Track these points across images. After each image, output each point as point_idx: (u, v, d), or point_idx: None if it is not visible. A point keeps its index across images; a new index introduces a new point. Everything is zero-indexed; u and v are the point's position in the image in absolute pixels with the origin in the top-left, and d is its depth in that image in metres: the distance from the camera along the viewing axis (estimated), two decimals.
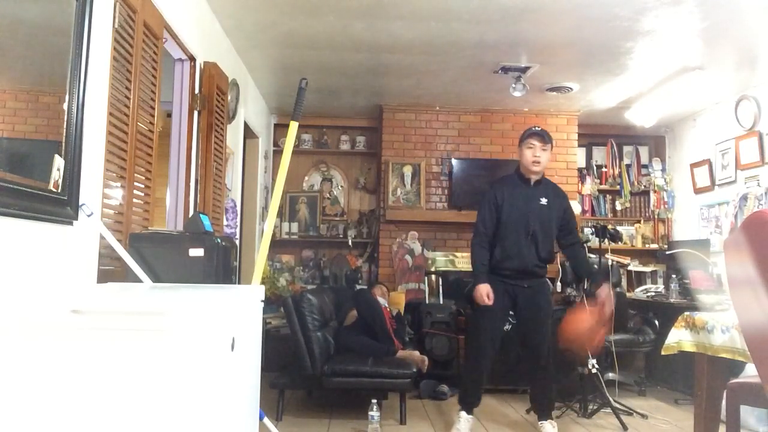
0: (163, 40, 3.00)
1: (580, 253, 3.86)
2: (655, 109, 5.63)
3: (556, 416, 4.13)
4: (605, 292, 3.68)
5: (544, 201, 3.72)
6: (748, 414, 3.53)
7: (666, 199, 6.41)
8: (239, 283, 4.17)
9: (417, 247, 6.01)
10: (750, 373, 2.69)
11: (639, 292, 5.64)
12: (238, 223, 4.65)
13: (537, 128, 3.80)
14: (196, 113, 3.57)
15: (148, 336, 1.30)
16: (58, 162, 2.02)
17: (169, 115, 3.57)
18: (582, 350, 3.98)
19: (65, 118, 2.07)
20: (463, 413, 3.68)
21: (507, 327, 4.89)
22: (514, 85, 4.89)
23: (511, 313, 3.88)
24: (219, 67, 3.77)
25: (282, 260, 6.29)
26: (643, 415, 4.15)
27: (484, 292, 3.57)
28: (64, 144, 2.06)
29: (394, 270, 5.97)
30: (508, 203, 3.70)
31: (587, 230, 5.41)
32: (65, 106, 2.08)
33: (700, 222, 5.86)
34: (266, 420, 2.70)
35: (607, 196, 6.53)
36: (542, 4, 3.61)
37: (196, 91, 3.55)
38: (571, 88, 5.26)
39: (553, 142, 3.81)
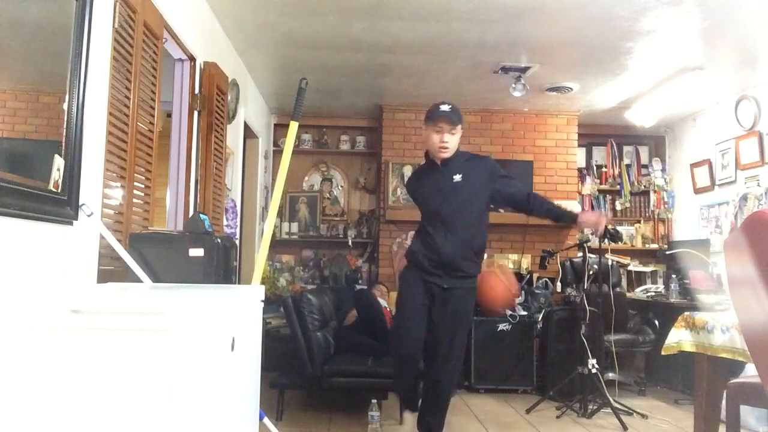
0: (163, 40, 3.00)
1: (540, 201, 3.28)
2: (655, 109, 5.63)
3: (556, 416, 4.13)
4: (590, 216, 3.33)
5: (457, 177, 3.17)
6: (748, 414, 3.53)
7: (666, 199, 6.41)
8: (239, 283, 4.17)
9: None
10: (750, 373, 2.69)
11: (639, 292, 5.63)
12: (238, 223, 4.65)
13: (445, 107, 3.17)
14: (196, 113, 3.57)
15: (148, 336, 1.30)
16: (58, 162, 2.02)
17: (169, 115, 3.57)
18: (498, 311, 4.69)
19: (65, 118, 2.07)
20: (407, 412, 3.47)
21: (506, 327, 4.92)
22: (514, 85, 4.89)
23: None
24: (219, 67, 3.77)
25: (282, 260, 6.29)
26: (643, 415, 4.15)
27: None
28: (64, 144, 2.06)
29: (394, 270, 5.97)
30: (421, 193, 3.29)
31: (587, 230, 5.40)
32: (65, 106, 2.08)
33: (700, 222, 5.86)
34: (266, 420, 2.70)
35: (607, 196, 6.53)
36: (542, 4, 3.61)
37: (196, 91, 3.55)
38: (571, 88, 5.26)
39: (463, 122, 3.21)
